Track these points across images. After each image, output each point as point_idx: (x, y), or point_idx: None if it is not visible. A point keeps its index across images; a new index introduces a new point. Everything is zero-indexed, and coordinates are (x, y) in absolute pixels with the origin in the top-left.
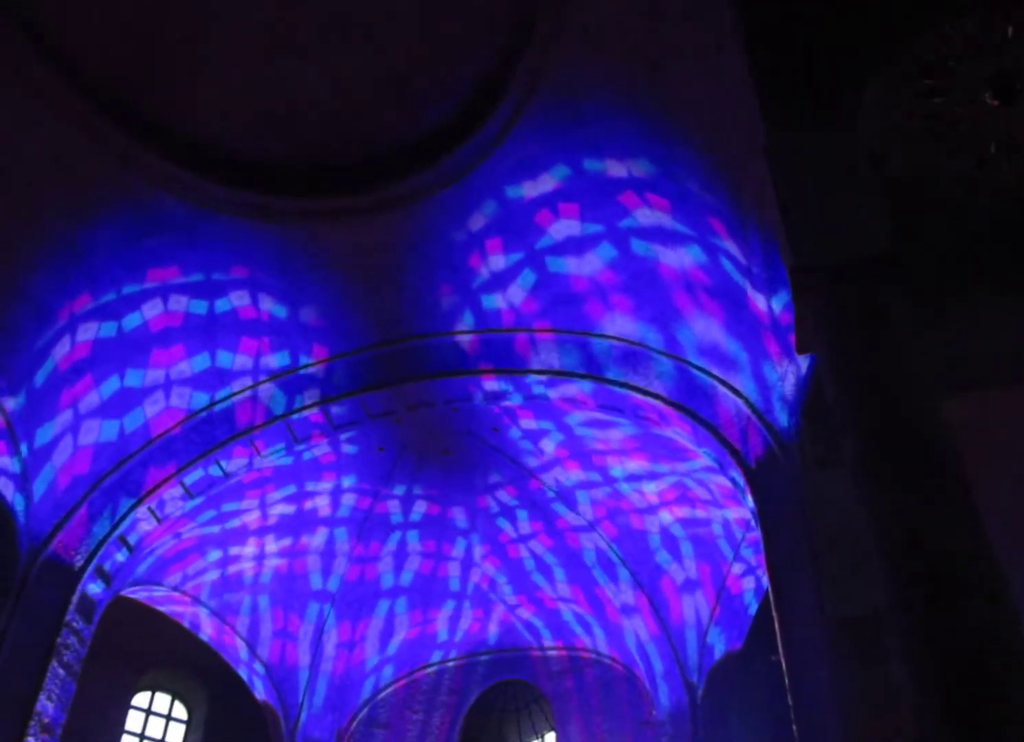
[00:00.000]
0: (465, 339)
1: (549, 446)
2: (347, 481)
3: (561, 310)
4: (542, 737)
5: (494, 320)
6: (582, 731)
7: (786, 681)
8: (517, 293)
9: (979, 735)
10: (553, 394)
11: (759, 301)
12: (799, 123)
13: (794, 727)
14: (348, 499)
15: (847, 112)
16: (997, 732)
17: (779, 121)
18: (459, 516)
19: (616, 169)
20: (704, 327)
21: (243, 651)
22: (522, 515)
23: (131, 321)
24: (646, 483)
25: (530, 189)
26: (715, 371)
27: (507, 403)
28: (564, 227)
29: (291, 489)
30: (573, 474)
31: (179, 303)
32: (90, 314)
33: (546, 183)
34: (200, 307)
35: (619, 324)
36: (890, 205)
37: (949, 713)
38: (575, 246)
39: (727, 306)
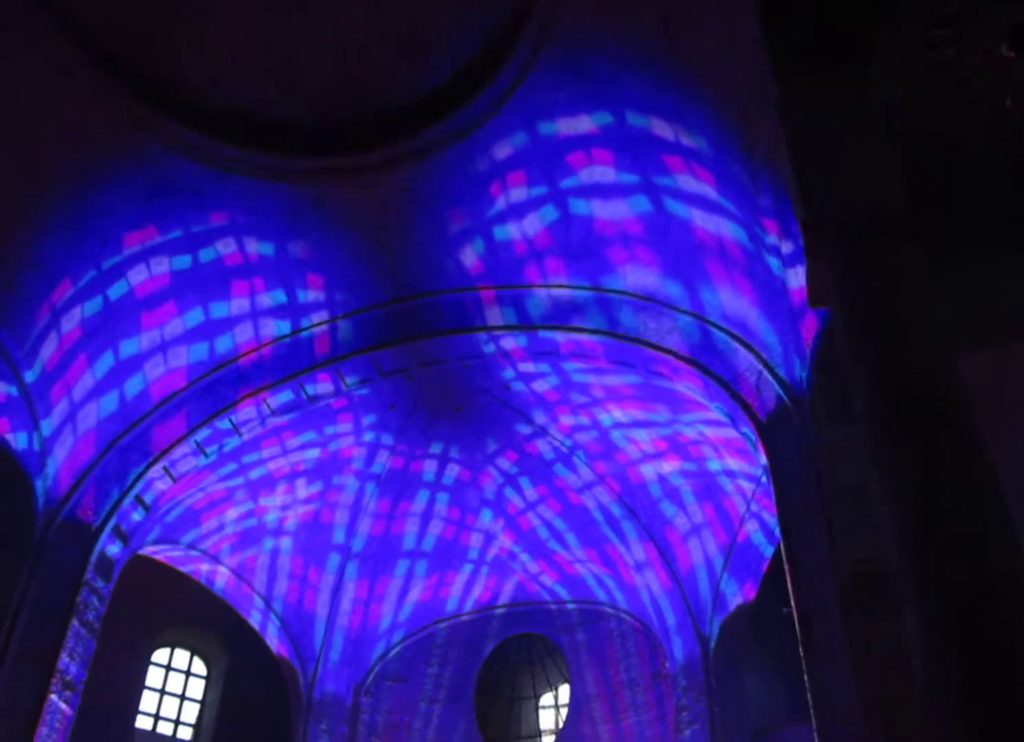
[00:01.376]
0: (477, 295)
1: (559, 402)
2: (368, 436)
3: (575, 265)
4: (556, 689)
5: (506, 276)
6: (596, 683)
7: (798, 632)
8: (530, 246)
9: (990, 686)
10: (564, 349)
11: (772, 257)
12: (812, 77)
13: (806, 678)
14: (367, 453)
15: (861, 65)
16: (1008, 682)
17: (792, 75)
18: (472, 473)
19: (637, 120)
20: (718, 283)
21: (260, 607)
22: (535, 471)
23: (140, 282)
24: (646, 431)
25: (537, 144)
26: (728, 326)
27: (517, 358)
28: (586, 174)
29: (311, 435)
30: (583, 431)
31: (186, 263)
32: (101, 275)
33: (552, 140)
34: (207, 267)
35: (631, 278)
36: (904, 159)
37: (960, 664)
38: (598, 196)
39: (741, 262)
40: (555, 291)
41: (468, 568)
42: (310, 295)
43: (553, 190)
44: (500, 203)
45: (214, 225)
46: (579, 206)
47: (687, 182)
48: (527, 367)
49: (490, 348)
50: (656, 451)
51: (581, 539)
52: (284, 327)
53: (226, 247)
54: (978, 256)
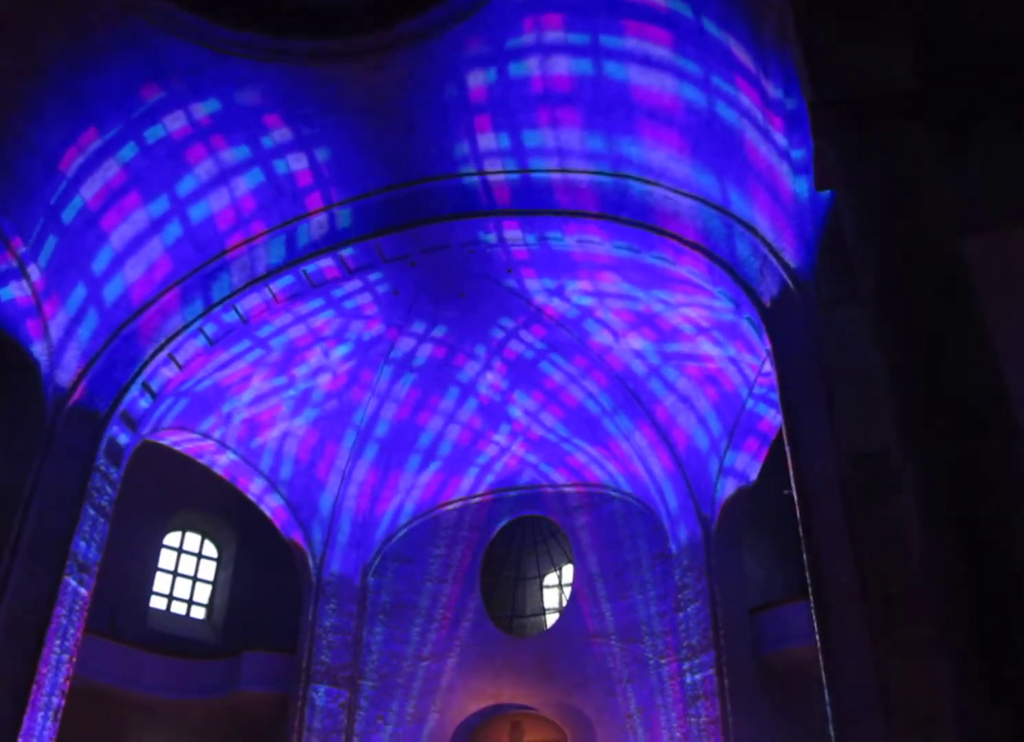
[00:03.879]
0: (481, 180)
1: (570, 289)
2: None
3: (581, 150)
4: (560, 569)
5: (512, 161)
6: (599, 563)
7: (798, 514)
8: (534, 132)
9: (987, 567)
10: (569, 236)
11: (778, 139)
12: None
13: (805, 557)
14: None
15: None
16: (1005, 564)
17: None
18: (474, 361)
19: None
20: (722, 166)
21: (269, 491)
22: (543, 355)
23: (140, 167)
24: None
25: (545, 20)
26: (732, 210)
27: (521, 244)
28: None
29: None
30: (587, 313)
31: (188, 149)
32: (100, 161)
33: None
34: (210, 153)
35: (637, 162)
36: (913, 38)
37: (958, 547)
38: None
39: (747, 145)
40: (563, 176)
41: (473, 451)
42: (312, 181)
43: (563, 65)
44: (506, 85)
45: (213, 110)
46: (609, 77)
47: (690, 63)
48: (519, 247)
49: (491, 238)
50: (658, 337)
51: (585, 423)
52: (287, 213)
53: (221, 132)
54: (988, 137)
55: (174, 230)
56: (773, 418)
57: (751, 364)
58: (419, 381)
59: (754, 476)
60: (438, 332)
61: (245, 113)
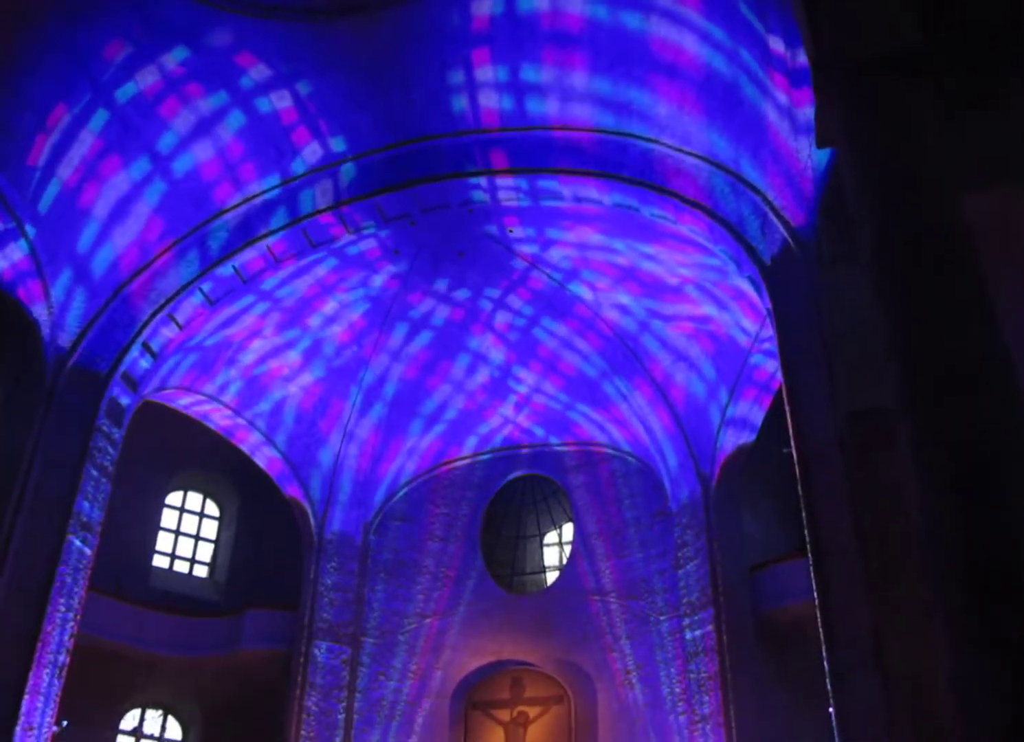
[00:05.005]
0: (479, 138)
1: (565, 244)
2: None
3: (580, 108)
4: (560, 528)
5: (510, 118)
6: (599, 522)
7: (797, 472)
8: (535, 86)
9: (984, 526)
10: (567, 193)
11: (779, 97)
12: None
13: (803, 515)
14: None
15: None
16: (1001, 524)
17: None
18: (474, 319)
19: None
20: (723, 124)
21: (270, 450)
22: (538, 313)
23: (138, 125)
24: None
25: None
26: (733, 168)
27: (519, 204)
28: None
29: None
30: (592, 276)
31: (187, 106)
32: (96, 117)
33: None
34: (208, 111)
35: (635, 123)
36: None
37: (955, 505)
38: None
39: (745, 101)
40: (563, 133)
41: (472, 411)
42: (311, 139)
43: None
44: (506, 41)
45: (210, 67)
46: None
47: (694, 15)
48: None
49: (485, 197)
50: (651, 294)
51: (586, 381)
52: (287, 172)
53: (221, 90)
54: (992, 94)
55: (174, 192)
56: (773, 376)
57: (751, 323)
58: (432, 342)
59: (754, 435)
60: (453, 291)
61: (242, 71)
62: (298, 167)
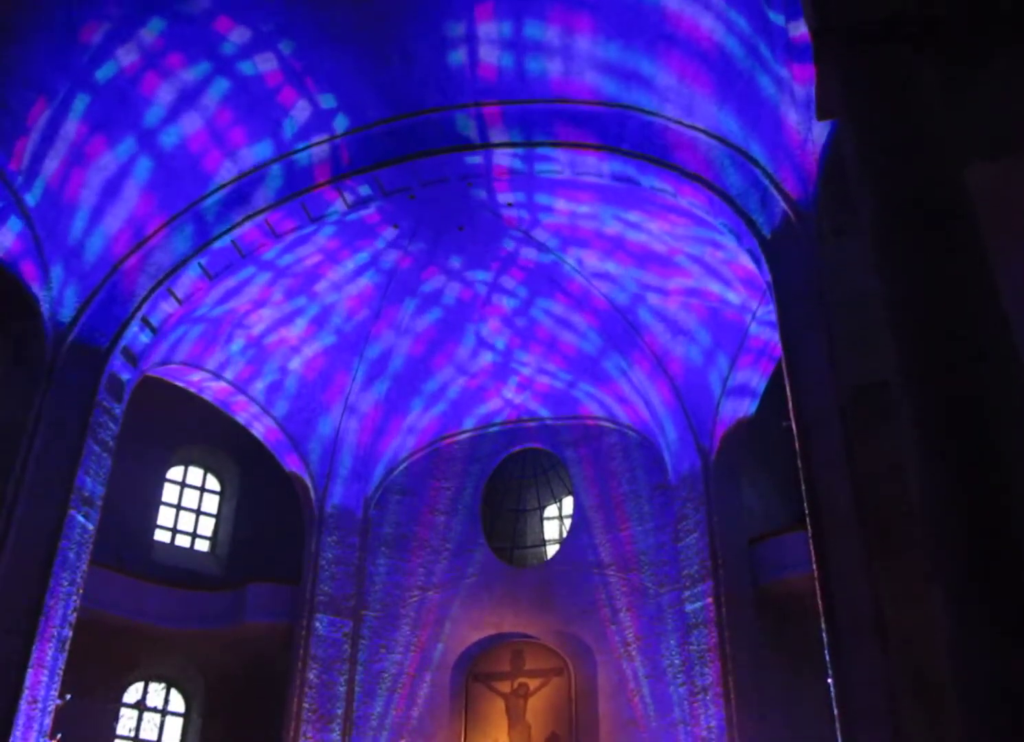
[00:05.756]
0: (479, 112)
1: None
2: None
3: (582, 74)
4: (560, 501)
5: (510, 91)
6: (598, 495)
7: (796, 444)
8: (534, 58)
9: (984, 497)
10: (565, 164)
11: (779, 68)
12: None
13: (803, 487)
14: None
15: None
16: (1002, 494)
17: None
18: (474, 292)
19: None
20: (723, 97)
21: (270, 424)
22: (535, 288)
23: (137, 101)
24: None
25: None
26: (733, 141)
27: (519, 177)
28: None
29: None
30: (587, 248)
31: (185, 82)
32: (95, 94)
33: None
34: (207, 85)
35: (636, 94)
36: None
37: (955, 476)
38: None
39: (745, 73)
40: (560, 106)
41: (472, 385)
42: (309, 112)
43: None
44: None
45: (211, 39)
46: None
47: None
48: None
49: (479, 167)
50: (659, 276)
51: (584, 354)
52: (284, 146)
53: (220, 63)
54: (995, 65)
55: (171, 166)
56: (773, 349)
57: (751, 297)
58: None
59: (753, 408)
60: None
61: (243, 42)
62: (294, 140)
